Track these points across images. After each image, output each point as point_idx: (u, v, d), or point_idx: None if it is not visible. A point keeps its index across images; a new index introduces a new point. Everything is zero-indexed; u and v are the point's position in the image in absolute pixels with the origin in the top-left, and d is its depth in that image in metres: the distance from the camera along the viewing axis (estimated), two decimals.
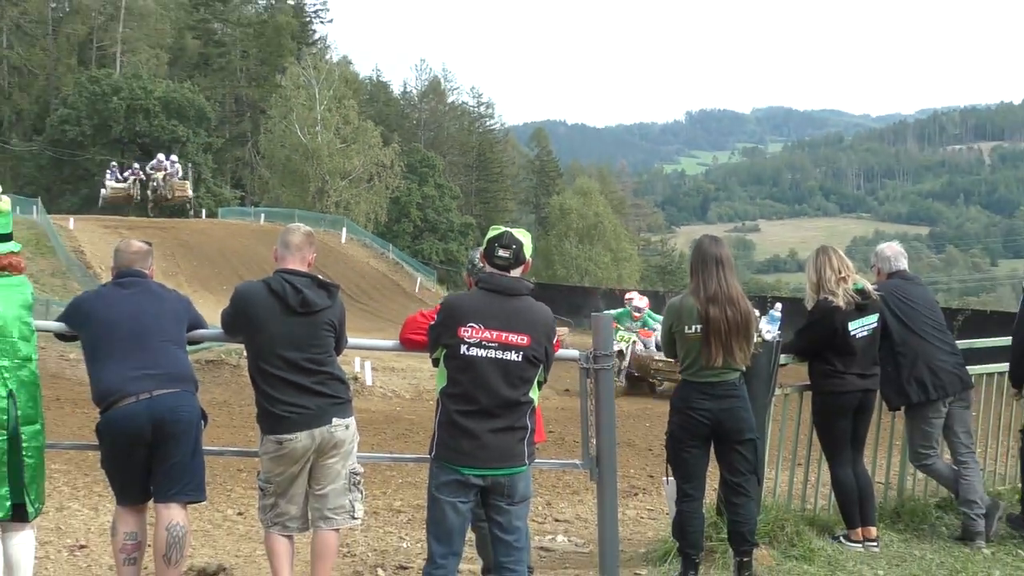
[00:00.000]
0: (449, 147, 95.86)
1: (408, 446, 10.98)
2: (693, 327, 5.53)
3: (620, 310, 19.34)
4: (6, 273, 5.13)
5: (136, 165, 50.41)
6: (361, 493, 5.15)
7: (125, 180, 48.61)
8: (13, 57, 75.92)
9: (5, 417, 4.91)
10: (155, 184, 48.07)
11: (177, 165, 49.63)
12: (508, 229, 4.85)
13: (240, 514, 7.76)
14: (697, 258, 5.64)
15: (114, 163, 53.08)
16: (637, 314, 19.09)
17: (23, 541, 5.05)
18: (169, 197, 48.69)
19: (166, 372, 5.01)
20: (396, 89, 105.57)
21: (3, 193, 5.40)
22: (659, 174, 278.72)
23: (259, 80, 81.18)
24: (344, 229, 54.10)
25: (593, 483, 5.44)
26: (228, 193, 72.69)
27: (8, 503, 4.92)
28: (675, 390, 5.75)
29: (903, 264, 6.83)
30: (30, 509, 4.99)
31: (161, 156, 49.98)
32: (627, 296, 20.13)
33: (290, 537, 5.11)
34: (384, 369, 19.73)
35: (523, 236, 4.82)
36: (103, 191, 49.04)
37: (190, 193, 50.69)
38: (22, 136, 73.53)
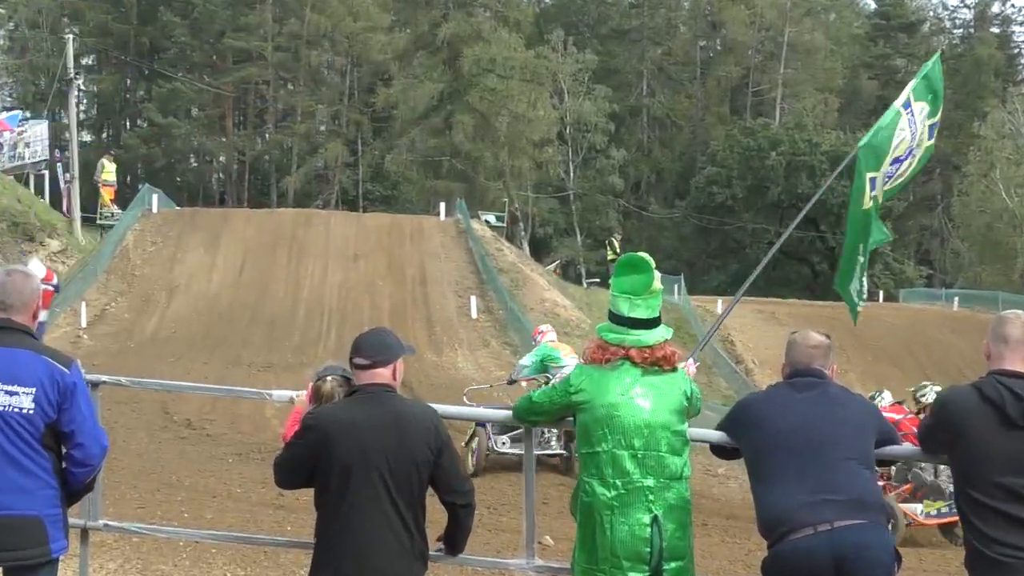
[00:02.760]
0: None
1: None
2: None
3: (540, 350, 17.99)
4: (658, 367, 5.52)
5: None
6: None
7: None
8: (654, 107, 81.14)
9: (648, 549, 5.31)
10: None
11: None
12: None
13: None
14: None
15: None
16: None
17: None
18: None
19: (850, 498, 5.11)
20: None
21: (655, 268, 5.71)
22: None
23: (951, 129, 79.30)
24: None
25: None
26: (911, 271, 72.84)
27: None
28: None
29: None
30: None
31: None
32: (540, 329, 19.03)
33: None
34: None
35: None
36: None
37: None
38: (662, 200, 78.14)
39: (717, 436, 5.67)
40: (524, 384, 18.64)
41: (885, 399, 16.69)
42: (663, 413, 5.41)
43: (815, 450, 5.18)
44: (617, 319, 5.60)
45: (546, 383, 16.61)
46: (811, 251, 70.21)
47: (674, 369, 5.60)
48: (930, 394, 15.25)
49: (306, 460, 5.26)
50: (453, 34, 60.17)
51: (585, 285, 50.66)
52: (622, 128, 77.33)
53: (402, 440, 5.19)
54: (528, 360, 18.11)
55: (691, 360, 7.06)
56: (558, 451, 17.82)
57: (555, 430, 16.55)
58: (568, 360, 17.60)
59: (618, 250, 44.66)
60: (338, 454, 5.15)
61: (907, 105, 8.83)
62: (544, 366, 17.66)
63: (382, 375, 5.31)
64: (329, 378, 5.85)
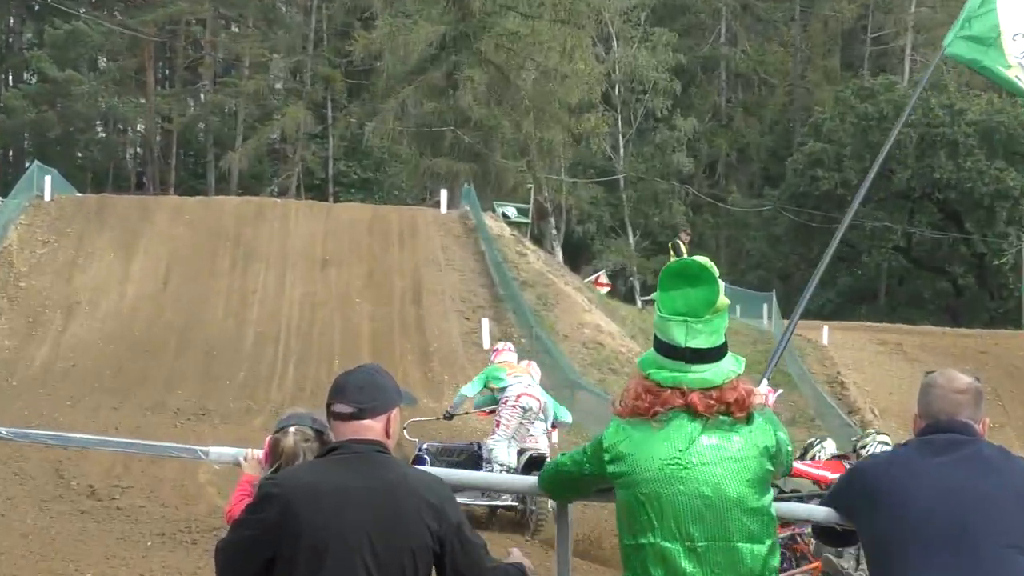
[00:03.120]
0: None
1: None
2: None
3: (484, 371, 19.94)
4: (729, 416, 5.32)
5: None
6: None
7: None
8: (735, 59, 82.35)
9: None
10: None
11: None
12: None
13: None
14: None
15: None
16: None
17: None
18: None
19: None
20: None
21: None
22: None
23: None
24: None
25: None
26: None
27: None
28: None
29: None
30: None
31: None
32: (496, 347, 21.33)
33: None
34: None
35: None
36: None
37: None
38: (745, 188, 78.26)
39: (823, 514, 5.62)
40: (475, 414, 20.50)
41: (826, 450, 16.25)
42: (735, 485, 5.18)
43: (961, 535, 5.10)
44: (669, 350, 5.29)
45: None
46: (952, 259, 70.07)
47: (749, 419, 5.31)
48: (873, 446, 15.14)
49: (261, 543, 5.06)
50: None
51: (640, 304, 50.75)
52: (691, 88, 77.43)
53: (394, 517, 5.06)
54: (470, 387, 19.67)
55: (764, 385, 6.92)
56: (512, 503, 18.54)
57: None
58: (511, 380, 18.88)
59: (685, 255, 44.42)
60: (307, 534, 4.99)
61: None
62: (491, 393, 19.14)
63: (371, 429, 5.18)
64: (292, 429, 5.81)
